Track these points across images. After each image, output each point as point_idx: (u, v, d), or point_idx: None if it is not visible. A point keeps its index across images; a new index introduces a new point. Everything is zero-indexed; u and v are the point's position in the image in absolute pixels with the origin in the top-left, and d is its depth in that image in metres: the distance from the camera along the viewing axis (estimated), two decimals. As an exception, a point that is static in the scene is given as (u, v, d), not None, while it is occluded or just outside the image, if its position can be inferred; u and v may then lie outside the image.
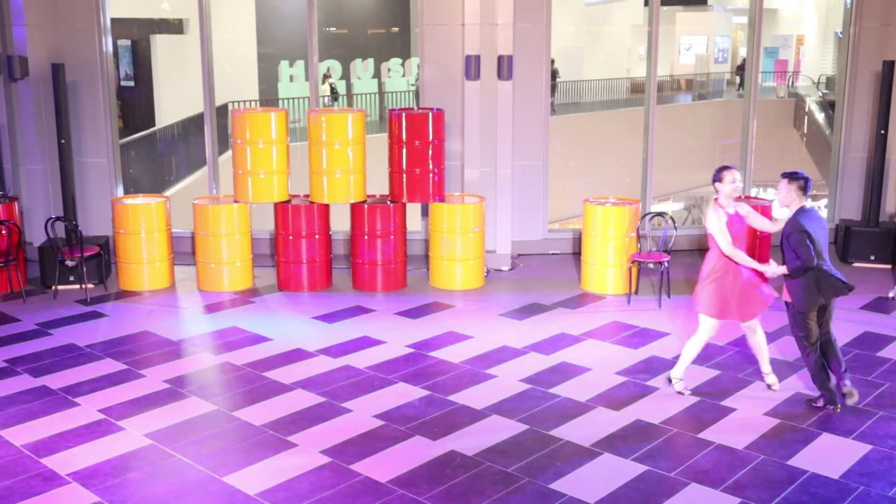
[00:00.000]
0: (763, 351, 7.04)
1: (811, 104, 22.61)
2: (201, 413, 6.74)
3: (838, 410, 6.64)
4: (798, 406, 6.76)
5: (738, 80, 26.62)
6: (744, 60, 26.61)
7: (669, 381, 7.14)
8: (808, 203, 6.66)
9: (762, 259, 9.71)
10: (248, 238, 10.12)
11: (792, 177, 6.59)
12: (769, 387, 7.07)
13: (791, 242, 6.52)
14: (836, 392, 6.70)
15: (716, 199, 6.77)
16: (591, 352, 7.96)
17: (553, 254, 11.42)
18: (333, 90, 21.96)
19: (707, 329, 6.92)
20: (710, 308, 6.86)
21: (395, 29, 24.85)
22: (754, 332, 6.99)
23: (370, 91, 22.82)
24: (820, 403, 6.72)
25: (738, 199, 7.47)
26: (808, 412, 6.63)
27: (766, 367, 7.09)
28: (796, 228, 6.48)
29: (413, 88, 22.39)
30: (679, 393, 7.01)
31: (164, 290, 10.02)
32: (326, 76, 22.31)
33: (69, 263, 9.67)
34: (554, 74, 24.71)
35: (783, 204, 6.69)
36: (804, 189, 6.56)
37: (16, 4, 10.49)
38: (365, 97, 22.36)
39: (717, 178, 6.74)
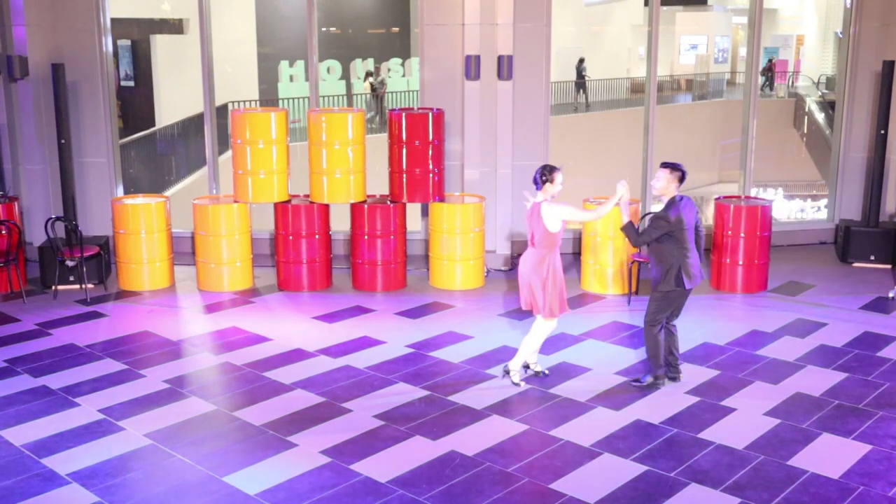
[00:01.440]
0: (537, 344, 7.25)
1: (811, 104, 22.63)
2: (201, 413, 6.74)
3: (665, 384, 7.10)
4: (798, 406, 6.76)
5: (764, 80, 26.58)
6: (769, 61, 26.62)
7: (506, 372, 7.27)
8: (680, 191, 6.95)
9: (760, 258, 9.72)
10: (248, 238, 10.12)
11: (673, 167, 6.84)
12: (537, 373, 7.30)
13: (650, 222, 6.89)
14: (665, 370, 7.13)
15: (545, 199, 6.88)
16: (591, 352, 7.96)
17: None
18: (374, 88, 21.94)
19: (550, 327, 7.11)
20: (561, 306, 7.03)
21: (395, 29, 24.86)
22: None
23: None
24: (645, 381, 7.10)
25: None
26: (808, 410, 6.64)
27: (534, 357, 7.33)
28: (663, 216, 6.76)
29: (369, 92, 22.26)
30: (516, 384, 7.15)
31: (164, 290, 10.02)
32: (369, 73, 22.29)
33: (69, 263, 9.68)
34: (582, 73, 24.87)
35: (659, 193, 6.91)
36: (681, 180, 6.83)
37: (16, 4, 10.49)
38: (365, 97, 22.35)
39: (548, 178, 6.84)
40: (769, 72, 26.52)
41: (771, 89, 26.79)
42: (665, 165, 6.87)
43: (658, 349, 7.04)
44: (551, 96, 11.45)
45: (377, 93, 21.75)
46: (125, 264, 9.98)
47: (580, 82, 25.27)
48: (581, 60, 25.10)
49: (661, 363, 7.10)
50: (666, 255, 6.82)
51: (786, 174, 22.71)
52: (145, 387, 7.23)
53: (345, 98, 22.07)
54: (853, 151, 11.62)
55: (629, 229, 6.89)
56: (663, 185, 6.82)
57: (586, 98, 25.36)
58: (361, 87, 22.75)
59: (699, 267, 6.94)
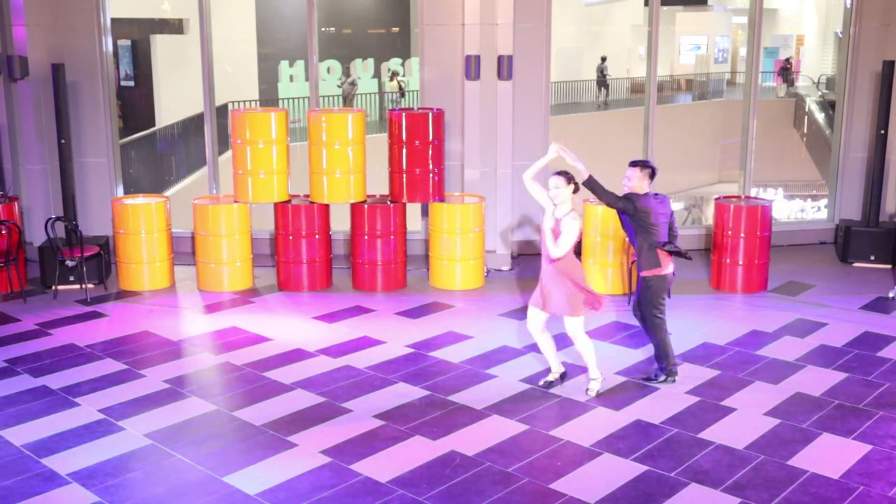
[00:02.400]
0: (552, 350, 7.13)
1: (811, 104, 22.62)
2: (201, 413, 6.74)
3: (676, 380, 7.17)
4: (798, 406, 6.76)
5: (781, 80, 26.50)
6: (786, 61, 26.49)
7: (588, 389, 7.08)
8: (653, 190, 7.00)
9: (760, 258, 9.72)
10: (248, 238, 10.12)
11: (643, 164, 6.89)
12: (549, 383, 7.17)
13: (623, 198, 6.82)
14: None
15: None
16: (591, 352, 7.96)
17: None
18: (401, 88, 21.85)
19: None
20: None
21: (395, 29, 24.86)
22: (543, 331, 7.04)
23: (370, 91, 22.81)
24: (661, 377, 7.16)
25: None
26: (808, 410, 6.63)
27: (557, 365, 7.18)
28: (632, 197, 6.78)
29: (397, 91, 22.10)
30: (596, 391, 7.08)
31: (164, 290, 10.02)
32: (395, 73, 22.19)
33: (69, 263, 9.67)
34: (603, 71, 25.07)
35: (632, 191, 6.90)
36: (652, 177, 6.88)
37: (16, 4, 10.49)
38: (365, 97, 22.34)
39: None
40: (787, 71, 26.38)
41: (786, 86, 26.55)
42: (634, 164, 6.92)
43: (668, 345, 7.10)
44: (551, 96, 11.45)
45: (348, 95, 21.46)
46: (125, 264, 9.98)
47: (602, 80, 25.46)
48: (603, 59, 25.29)
49: (672, 357, 7.16)
50: (640, 239, 6.89)
51: (786, 174, 22.71)
52: (145, 387, 7.23)
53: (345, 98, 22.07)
54: (853, 151, 11.62)
55: (592, 183, 6.69)
56: (635, 184, 6.86)
57: (607, 96, 25.61)
58: (362, 87, 22.67)
59: (674, 261, 6.98)
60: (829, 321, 8.74)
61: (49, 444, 6.21)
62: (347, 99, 21.44)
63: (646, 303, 7.02)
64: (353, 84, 21.65)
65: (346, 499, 5.46)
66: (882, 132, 10.66)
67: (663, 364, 7.19)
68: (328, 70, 21.86)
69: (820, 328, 8.54)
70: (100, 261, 10.06)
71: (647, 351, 7.95)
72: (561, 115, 22.91)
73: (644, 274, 6.95)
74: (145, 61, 20.32)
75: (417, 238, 11.14)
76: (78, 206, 10.60)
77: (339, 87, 21.93)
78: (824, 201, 14.66)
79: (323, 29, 22.41)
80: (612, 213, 9.64)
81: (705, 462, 5.89)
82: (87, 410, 6.77)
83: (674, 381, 7.19)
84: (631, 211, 6.81)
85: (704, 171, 23.36)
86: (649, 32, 11.52)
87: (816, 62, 28.18)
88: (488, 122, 10.71)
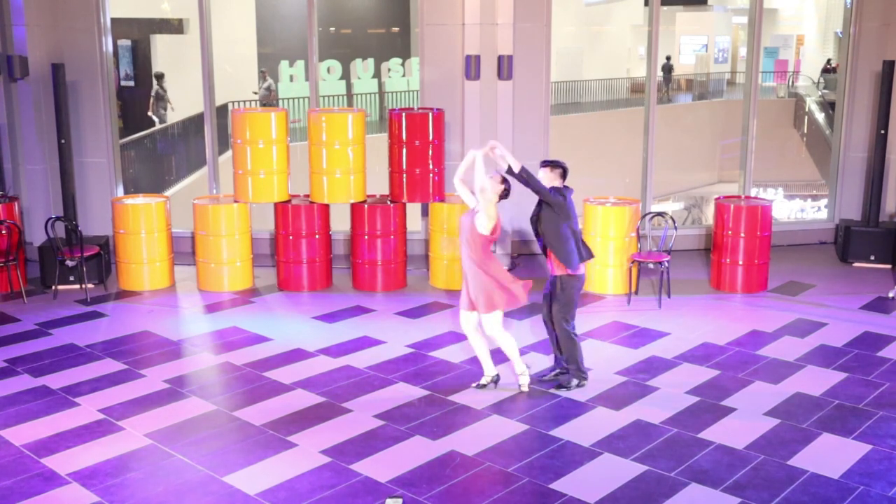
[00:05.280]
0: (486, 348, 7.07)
1: (811, 104, 22.62)
2: (201, 413, 6.74)
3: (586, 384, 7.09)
4: (798, 406, 6.76)
5: (821, 82, 26.40)
6: (828, 61, 26.38)
7: (493, 380, 7.12)
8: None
9: (760, 258, 9.72)
10: (248, 238, 10.12)
11: (553, 164, 6.93)
12: (479, 385, 7.12)
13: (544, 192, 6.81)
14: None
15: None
16: (591, 352, 7.94)
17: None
18: (270, 90, 21.29)
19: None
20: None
21: (395, 29, 24.84)
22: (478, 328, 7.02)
23: (370, 91, 22.80)
24: (573, 386, 7.06)
25: None
26: (808, 410, 6.64)
27: (490, 368, 7.10)
28: (560, 191, 6.85)
29: (257, 97, 21.15)
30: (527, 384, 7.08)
31: (164, 290, 10.02)
32: (265, 72, 21.28)
33: (69, 263, 9.67)
34: (670, 69, 25.42)
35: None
36: (564, 177, 6.92)
37: (16, 4, 10.49)
38: (365, 97, 22.34)
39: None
40: (826, 72, 26.26)
41: (826, 88, 26.33)
42: (545, 164, 6.92)
43: (577, 349, 7.02)
44: (551, 96, 11.46)
45: (265, 101, 20.69)
46: (125, 264, 9.98)
47: (668, 77, 25.79)
48: (668, 58, 25.69)
49: (582, 363, 7.09)
50: (563, 236, 6.83)
51: (786, 174, 22.69)
52: (145, 387, 7.23)
53: (345, 98, 22.05)
54: (853, 151, 11.62)
55: (526, 173, 6.73)
56: (547, 185, 6.88)
57: (669, 91, 26.03)
58: (362, 87, 22.58)
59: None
60: (829, 321, 8.74)
61: (49, 444, 6.21)
62: (266, 105, 20.56)
63: (559, 305, 6.95)
64: (269, 90, 21.03)
65: (346, 499, 5.46)
66: (882, 132, 10.66)
67: (572, 367, 7.09)
68: (328, 70, 21.83)
69: (820, 328, 8.55)
70: (100, 261, 10.06)
71: (648, 351, 7.96)
72: (561, 115, 22.90)
73: (559, 273, 6.91)
74: (145, 61, 20.30)
75: (417, 238, 11.14)
76: (78, 206, 10.60)
77: (254, 93, 21.23)
78: (824, 201, 14.66)
79: (323, 29, 22.38)
80: (613, 214, 9.67)
81: (705, 462, 5.89)
82: (87, 410, 6.77)
83: (584, 384, 7.09)
84: (556, 202, 6.78)
85: (704, 171, 23.34)
86: (649, 32, 11.52)
87: (816, 62, 28.17)
88: (488, 122, 10.70)
